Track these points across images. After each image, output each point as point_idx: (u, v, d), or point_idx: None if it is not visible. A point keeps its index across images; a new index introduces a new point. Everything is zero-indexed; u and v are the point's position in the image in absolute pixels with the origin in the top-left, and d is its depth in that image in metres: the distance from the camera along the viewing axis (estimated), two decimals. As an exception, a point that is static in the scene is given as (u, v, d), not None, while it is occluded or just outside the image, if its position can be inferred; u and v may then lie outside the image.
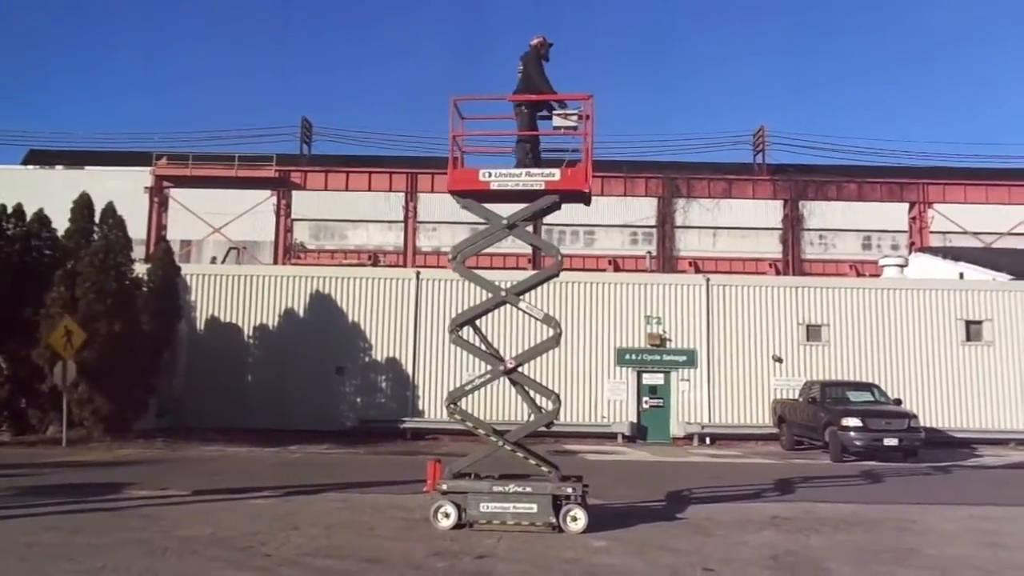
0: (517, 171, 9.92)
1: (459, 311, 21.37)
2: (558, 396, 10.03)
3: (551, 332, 9.79)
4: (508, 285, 10.10)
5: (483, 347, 10.21)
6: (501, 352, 10.41)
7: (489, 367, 9.79)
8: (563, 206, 10.21)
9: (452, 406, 9.69)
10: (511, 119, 10.37)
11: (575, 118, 10.02)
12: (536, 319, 10.01)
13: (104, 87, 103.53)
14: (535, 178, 9.79)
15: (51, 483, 12.66)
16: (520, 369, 9.81)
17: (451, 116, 10.23)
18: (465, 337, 10.03)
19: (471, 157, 10.86)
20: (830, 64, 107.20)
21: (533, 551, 8.02)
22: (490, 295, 10.01)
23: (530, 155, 10.21)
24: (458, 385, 22.44)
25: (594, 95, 10.02)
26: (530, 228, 10.82)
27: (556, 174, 9.77)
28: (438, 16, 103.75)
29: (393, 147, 44.25)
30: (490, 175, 9.83)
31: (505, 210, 10.15)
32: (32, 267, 20.93)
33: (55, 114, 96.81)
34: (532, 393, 10.20)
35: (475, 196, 10.06)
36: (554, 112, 10.17)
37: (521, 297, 9.95)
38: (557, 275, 10.21)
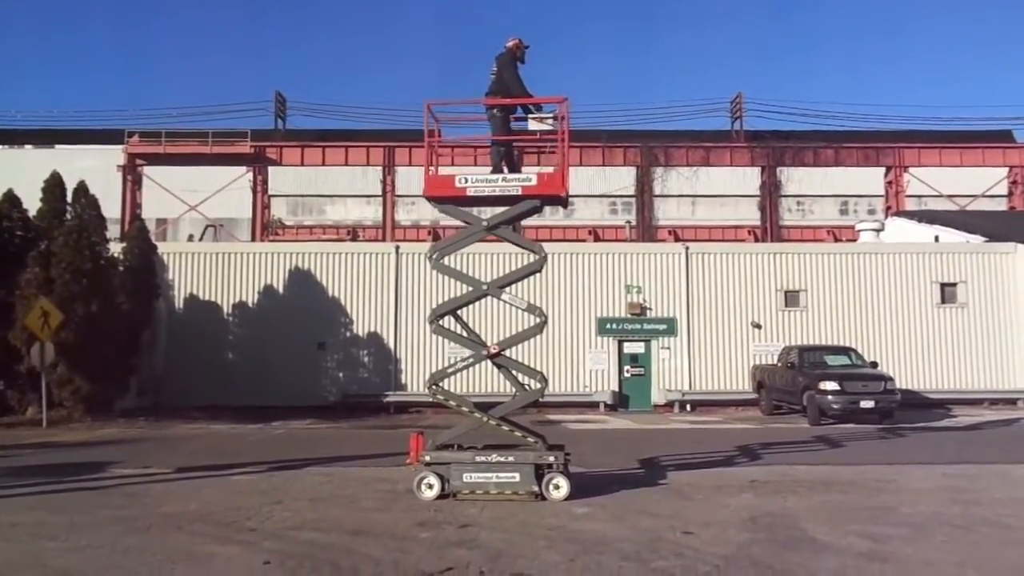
0: (494, 177, 9.90)
1: (439, 284, 21.50)
2: (544, 376, 10.06)
3: (536, 320, 9.80)
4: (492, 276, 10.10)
5: (464, 334, 10.22)
6: (487, 336, 10.43)
7: (472, 352, 9.84)
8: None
9: (434, 387, 9.75)
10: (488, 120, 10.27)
11: (551, 121, 9.98)
12: (520, 309, 10.01)
13: (73, 64, 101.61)
14: (511, 183, 9.77)
15: (32, 463, 12.61)
16: (505, 352, 9.85)
17: (426, 121, 10.18)
18: (446, 325, 10.05)
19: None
20: (806, 30, 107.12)
21: (516, 519, 8.11)
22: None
23: (504, 159, 10.16)
24: (440, 360, 22.68)
25: (569, 98, 10.03)
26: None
27: (533, 179, 9.78)
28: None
29: (370, 120, 43.75)
30: (466, 181, 9.79)
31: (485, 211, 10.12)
32: (4, 248, 20.64)
33: (23, 92, 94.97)
34: (517, 374, 10.24)
35: (453, 201, 10.03)
36: (530, 116, 10.13)
37: (504, 289, 9.96)
38: (540, 270, 10.18)
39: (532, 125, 10.05)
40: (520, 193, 9.75)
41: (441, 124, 10.78)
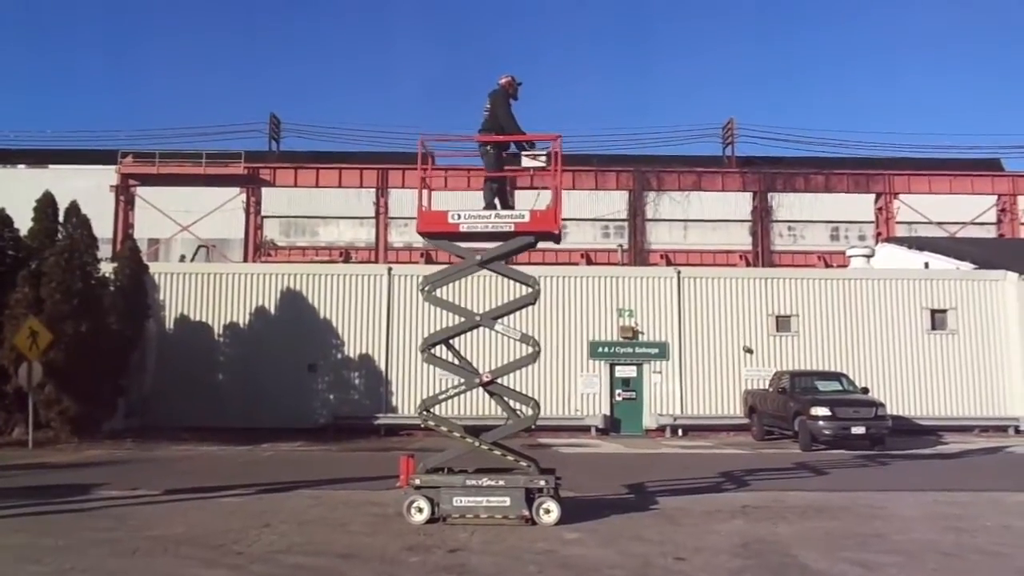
0: (486, 213, 9.94)
1: (431, 307, 21.49)
2: (537, 403, 10.06)
3: (529, 349, 9.78)
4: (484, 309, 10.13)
5: (456, 362, 10.21)
6: (479, 364, 10.40)
7: (464, 379, 9.82)
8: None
9: (425, 413, 9.72)
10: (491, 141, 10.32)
11: (544, 158, 10.04)
12: (514, 340, 10.00)
13: (67, 84, 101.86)
14: (504, 220, 9.82)
15: (18, 485, 12.49)
16: (497, 380, 9.82)
17: (420, 157, 10.24)
18: (438, 353, 10.04)
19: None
20: (798, 56, 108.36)
21: (506, 543, 8.06)
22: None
23: (497, 195, 10.23)
24: (432, 383, 22.52)
25: (562, 135, 10.17)
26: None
27: (525, 216, 9.83)
28: (410, 7, 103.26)
29: (363, 142, 43.95)
30: (459, 217, 9.82)
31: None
32: (-6, 267, 20.56)
33: (17, 112, 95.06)
34: (509, 400, 10.21)
35: (445, 237, 10.08)
36: (523, 153, 10.19)
37: (497, 320, 9.95)
38: (534, 303, 10.20)
39: (525, 162, 10.13)
40: (513, 230, 9.80)
41: (435, 156, 10.85)
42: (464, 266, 10.05)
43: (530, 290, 9.90)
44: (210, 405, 23.22)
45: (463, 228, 9.81)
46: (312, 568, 7.09)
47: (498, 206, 10.13)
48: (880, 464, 16.43)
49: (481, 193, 10.44)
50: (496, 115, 10.17)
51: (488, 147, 10.18)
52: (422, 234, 10.19)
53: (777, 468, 15.27)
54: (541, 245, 10.78)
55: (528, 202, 10.94)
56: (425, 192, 10.40)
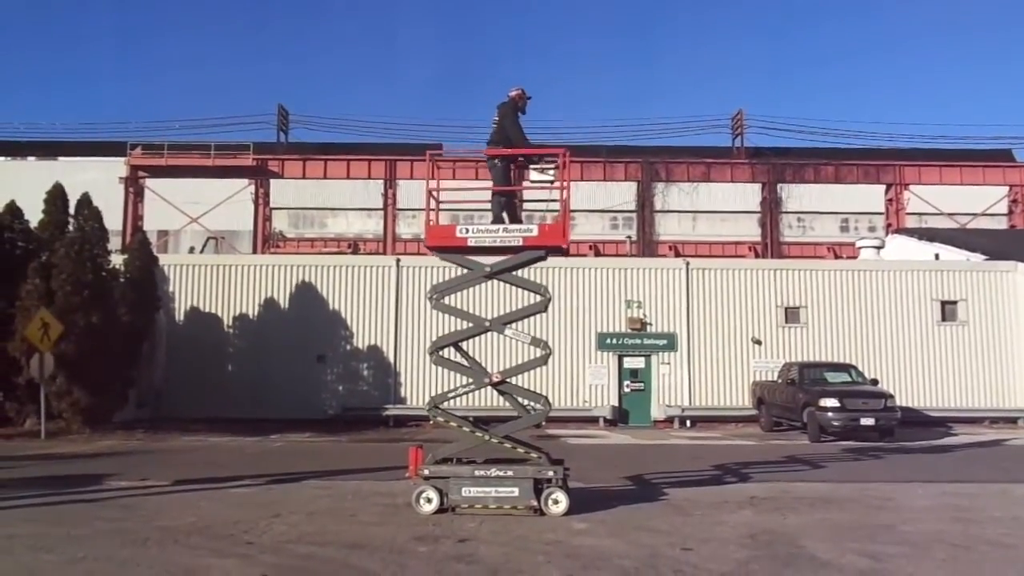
0: (495, 227, 9.93)
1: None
2: (548, 400, 10.06)
3: (540, 352, 9.78)
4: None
5: (465, 362, 10.23)
6: (488, 363, 10.40)
7: (473, 379, 9.83)
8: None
9: (435, 409, 9.74)
10: (500, 149, 10.30)
11: (552, 171, 10.03)
12: (524, 343, 10.01)
13: (77, 76, 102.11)
14: (512, 234, 9.82)
15: (30, 475, 12.56)
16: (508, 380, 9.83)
17: (428, 171, 10.26)
18: (446, 354, 10.05)
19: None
20: (808, 47, 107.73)
21: (515, 534, 8.08)
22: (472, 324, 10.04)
23: (505, 209, 10.19)
24: (440, 375, 22.47)
25: (568, 149, 10.14)
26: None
27: (534, 230, 9.83)
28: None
29: (371, 134, 43.93)
30: (467, 232, 9.83)
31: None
32: (5, 259, 20.65)
33: (26, 104, 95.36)
34: (520, 399, 10.22)
35: (454, 251, 10.09)
36: (531, 166, 10.18)
37: (508, 324, 9.97)
38: (544, 311, 10.17)
39: (534, 175, 10.13)
40: (521, 244, 9.80)
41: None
42: (472, 276, 10.07)
43: (540, 298, 9.90)
44: (220, 396, 23.37)
45: (471, 242, 9.82)
46: (321, 558, 7.12)
47: (506, 220, 10.11)
48: (889, 455, 16.40)
49: (486, 189, 10.43)
50: (504, 128, 10.14)
51: (496, 160, 10.14)
52: (431, 249, 10.20)
53: (785, 459, 15.26)
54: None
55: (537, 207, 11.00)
56: (435, 191, 10.39)
